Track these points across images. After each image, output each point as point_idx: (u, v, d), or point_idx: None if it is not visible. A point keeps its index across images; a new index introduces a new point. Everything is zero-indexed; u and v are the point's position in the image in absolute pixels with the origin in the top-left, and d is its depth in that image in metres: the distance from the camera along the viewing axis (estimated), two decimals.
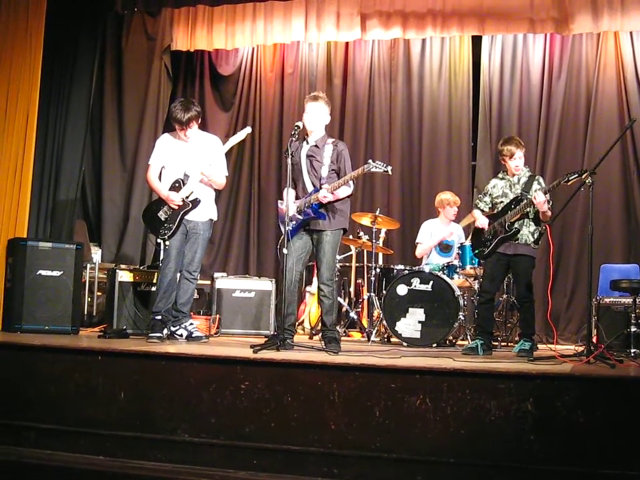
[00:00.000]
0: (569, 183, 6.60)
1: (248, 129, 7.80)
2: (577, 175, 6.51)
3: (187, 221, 7.43)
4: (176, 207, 7.38)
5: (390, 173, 6.99)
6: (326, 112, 7.04)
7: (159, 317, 7.32)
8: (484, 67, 11.04)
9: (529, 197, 7.11)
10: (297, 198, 6.96)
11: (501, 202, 7.33)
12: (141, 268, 8.95)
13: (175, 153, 7.53)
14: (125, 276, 8.26)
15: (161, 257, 7.63)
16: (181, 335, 7.44)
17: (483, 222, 7.37)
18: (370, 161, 6.94)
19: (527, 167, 7.46)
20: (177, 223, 7.38)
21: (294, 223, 6.76)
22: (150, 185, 7.78)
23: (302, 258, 6.97)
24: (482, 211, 7.50)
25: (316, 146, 6.95)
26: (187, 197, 7.39)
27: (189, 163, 7.47)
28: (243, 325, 9.25)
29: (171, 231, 7.37)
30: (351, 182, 6.88)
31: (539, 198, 6.86)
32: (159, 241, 9.93)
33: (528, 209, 7.08)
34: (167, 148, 7.57)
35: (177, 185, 7.42)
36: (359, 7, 10.78)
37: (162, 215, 7.42)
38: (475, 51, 11.13)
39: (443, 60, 11.24)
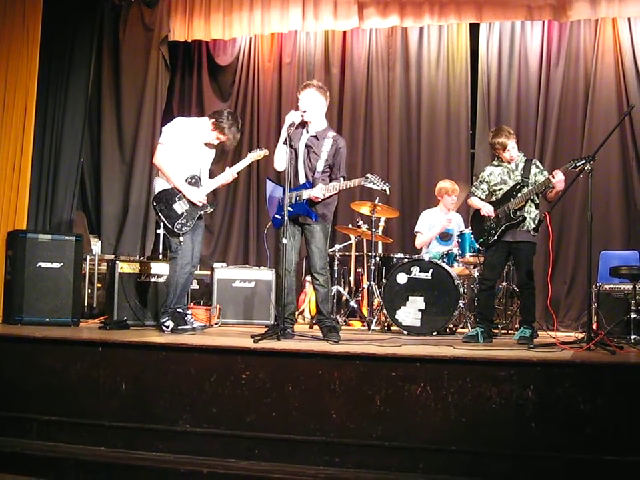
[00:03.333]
0: (577, 169, 6.58)
1: (265, 151, 7.79)
2: (584, 161, 6.47)
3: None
4: (199, 205, 7.39)
5: (388, 192, 6.99)
6: (319, 98, 6.94)
7: (181, 310, 7.38)
8: (482, 55, 11.04)
9: (530, 182, 7.13)
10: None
11: (500, 189, 7.33)
12: (141, 259, 8.95)
13: (195, 145, 7.50)
14: (124, 267, 8.25)
15: (170, 250, 7.53)
16: (168, 327, 7.40)
17: (488, 209, 7.31)
18: (368, 175, 6.87)
19: (522, 152, 7.45)
20: (195, 220, 7.37)
21: (283, 213, 6.63)
22: (160, 167, 7.41)
23: (296, 247, 6.95)
24: (480, 198, 7.49)
25: (316, 137, 6.89)
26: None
27: (203, 162, 7.58)
28: (243, 314, 9.26)
29: (189, 228, 7.32)
30: (342, 180, 6.87)
31: (559, 176, 6.83)
32: (158, 231, 9.96)
33: (538, 191, 7.09)
34: (188, 135, 7.46)
35: (193, 180, 7.41)
36: None
37: (178, 207, 7.31)
38: (472, 39, 11.13)
39: (440, 48, 11.23)
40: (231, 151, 9.95)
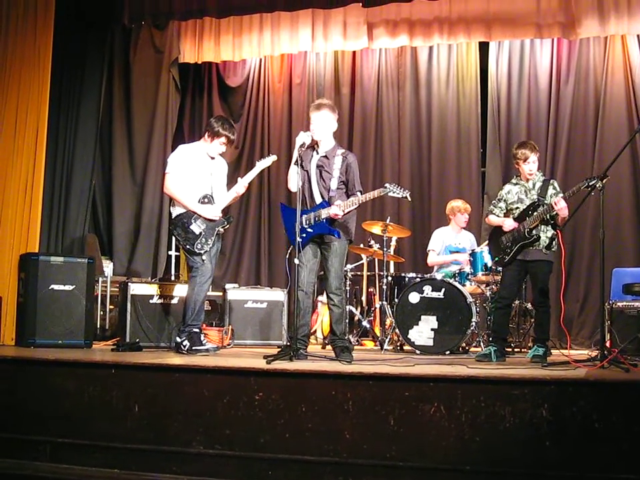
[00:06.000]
0: (589, 188, 6.56)
1: (273, 157, 7.87)
2: (596, 180, 6.46)
3: None
4: (216, 220, 7.47)
5: (409, 198, 6.92)
6: (331, 118, 6.98)
7: (197, 330, 7.42)
8: (491, 73, 11.06)
9: (546, 202, 7.10)
10: (304, 206, 6.86)
11: (517, 208, 7.30)
12: (153, 280, 8.96)
13: (202, 166, 7.60)
14: (137, 289, 8.27)
15: (190, 269, 7.60)
16: (185, 346, 7.41)
17: (509, 224, 7.28)
18: (387, 184, 6.84)
19: (540, 172, 7.44)
20: (214, 236, 7.46)
21: (304, 235, 6.69)
22: (171, 195, 7.61)
23: (314, 268, 6.96)
24: (497, 217, 7.47)
25: (325, 157, 6.91)
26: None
27: (214, 179, 7.62)
28: (255, 335, 9.25)
29: (209, 246, 7.42)
30: (359, 194, 6.85)
31: (561, 204, 6.82)
32: (169, 253, 9.98)
33: (547, 215, 7.06)
34: (192, 160, 7.59)
35: (206, 200, 7.49)
36: (365, 16, 10.78)
37: (195, 228, 7.40)
38: (482, 57, 11.15)
39: (450, 67, 11.26)
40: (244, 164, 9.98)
